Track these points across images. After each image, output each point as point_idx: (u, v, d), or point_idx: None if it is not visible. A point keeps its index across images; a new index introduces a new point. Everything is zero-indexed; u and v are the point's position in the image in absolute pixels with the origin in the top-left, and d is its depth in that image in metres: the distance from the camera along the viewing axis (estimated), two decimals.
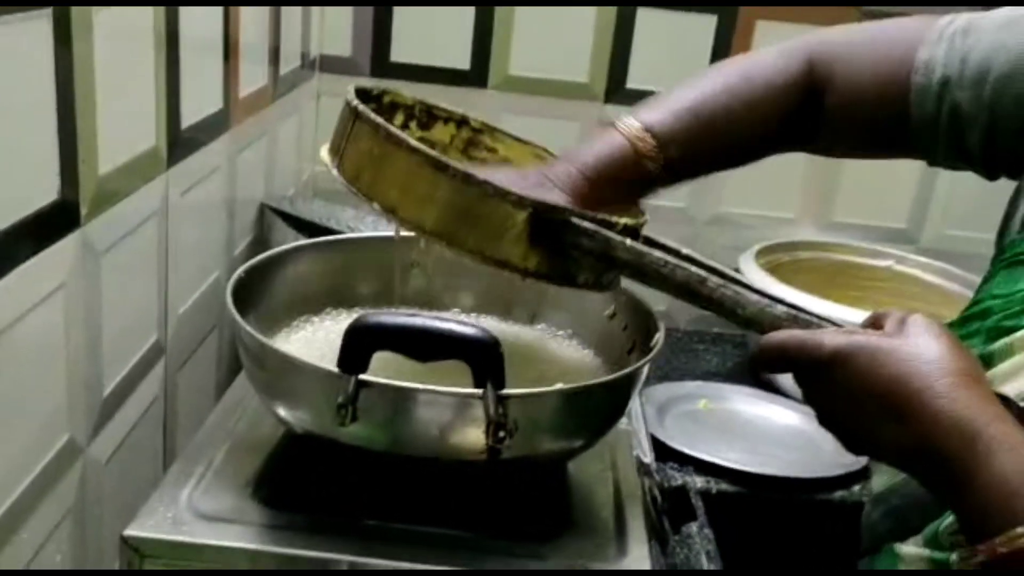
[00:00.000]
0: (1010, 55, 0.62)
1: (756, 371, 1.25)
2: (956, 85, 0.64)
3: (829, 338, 0.53)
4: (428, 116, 0.74)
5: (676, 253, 0.62)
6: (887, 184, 1.43)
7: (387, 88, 0.72)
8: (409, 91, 0.73)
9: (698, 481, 1.02)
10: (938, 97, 0.65)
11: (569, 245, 0.60)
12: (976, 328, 0.61)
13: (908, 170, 1.40)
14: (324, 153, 0.66)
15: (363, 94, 0.66)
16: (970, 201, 1.40)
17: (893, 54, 0.67)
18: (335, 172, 0.64)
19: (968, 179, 0.74)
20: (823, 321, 0.57)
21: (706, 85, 0.70)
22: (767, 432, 1.16)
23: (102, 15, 0.65)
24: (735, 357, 1.37)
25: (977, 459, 0.48)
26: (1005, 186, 0.72)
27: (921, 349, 0.51)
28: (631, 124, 0.66)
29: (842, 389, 0.52)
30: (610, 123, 0.67)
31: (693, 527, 0.87)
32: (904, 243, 1.45)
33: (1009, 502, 0.47)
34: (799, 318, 0.57)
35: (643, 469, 0.79)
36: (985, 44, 0.64)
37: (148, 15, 0.74)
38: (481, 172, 0.60)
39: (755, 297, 0.58)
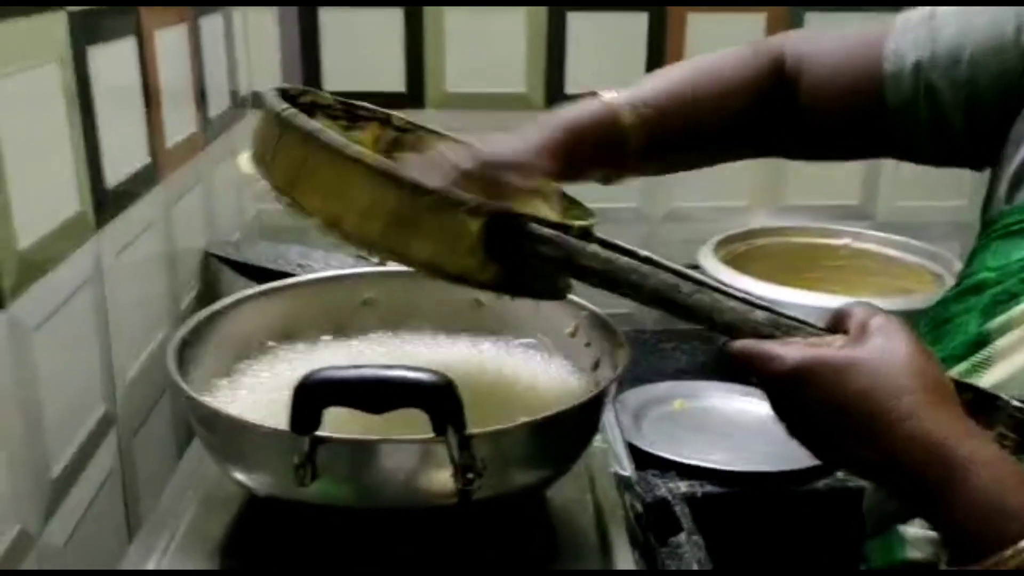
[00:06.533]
0: (981, 33, 0.63)
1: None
2: (929, 66, 0.65)
3: (790, 352, 0.51)
4: (349, 116, 0.71)
5: (634, 255, 0.59)
6: (835, 163, 1.42)
7: (307, 88, 0.69)
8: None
9: (682, 486, 1.00)
10: (913, 80, 0.65)
11: (529, 254, 0.57)
12: (972, 304, 0.60)
13: None
14: (244, 162, 0.61)
15: (282, 95, 0.62)
16: (919, 171, 1.40)
17: (860, 47, 0.68)
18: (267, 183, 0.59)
19: None
20: (805, 324, 0.54)
21: (676, 73, 0.72)
22: (745, 426, 1.14)
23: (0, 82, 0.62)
24: (704, 353, 1.36)
25: (954, 479, 0.46)
26: None
27: (885, 362, 0.49)
28: (611, 93, 0.68)
29: (806, 405, 0.50)
30: (591, 92, 0.68)
31: (682, 536, 0.85)
32: (859, 219, 1.45)
33: (991, 521, 0.45)
34: (779, 323, 0.54)
35: (623, 484, 0.76)
36: (954, 25, 0.64)
37: (54, 73, 0.70)
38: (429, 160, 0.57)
39: (732, 302, 0.55)
